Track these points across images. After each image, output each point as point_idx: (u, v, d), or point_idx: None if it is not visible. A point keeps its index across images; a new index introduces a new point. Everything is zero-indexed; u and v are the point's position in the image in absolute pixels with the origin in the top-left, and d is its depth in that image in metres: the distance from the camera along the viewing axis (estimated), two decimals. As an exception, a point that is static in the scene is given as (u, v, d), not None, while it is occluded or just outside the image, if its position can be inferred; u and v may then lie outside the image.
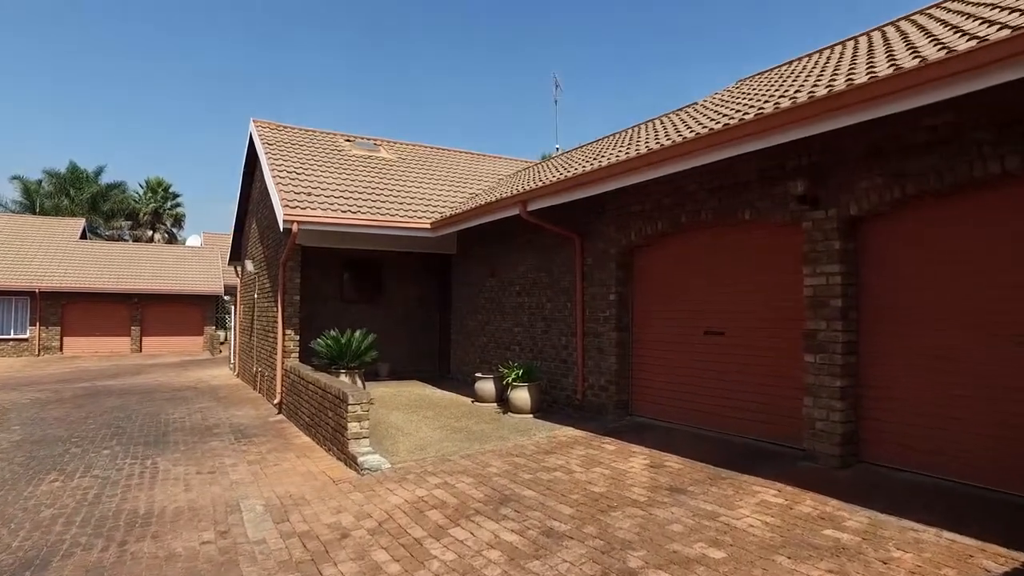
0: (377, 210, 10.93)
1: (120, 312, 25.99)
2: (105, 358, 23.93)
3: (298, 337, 10.88)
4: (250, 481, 6.57)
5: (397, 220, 10.85)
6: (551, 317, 9.52)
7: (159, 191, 44.98)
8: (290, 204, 10.15)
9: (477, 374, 9.85)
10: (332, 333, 9.60)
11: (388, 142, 15.85)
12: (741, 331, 6.78)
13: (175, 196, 45.97)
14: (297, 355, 10.67)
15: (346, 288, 13.06)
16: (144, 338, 26.43)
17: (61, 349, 24.98)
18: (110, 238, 40.09)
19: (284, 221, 9.83)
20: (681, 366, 7.51)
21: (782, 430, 6.22)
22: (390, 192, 11.98)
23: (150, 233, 44.64)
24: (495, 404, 9.57)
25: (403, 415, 8.86)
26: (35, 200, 38.89)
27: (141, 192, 44.91)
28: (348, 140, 14.92)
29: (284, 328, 10.82)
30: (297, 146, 13.25)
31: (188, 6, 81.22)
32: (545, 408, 9.09)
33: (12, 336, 24.33)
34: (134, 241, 40.83)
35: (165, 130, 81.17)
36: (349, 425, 6.97)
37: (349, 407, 6.96)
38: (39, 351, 24.49)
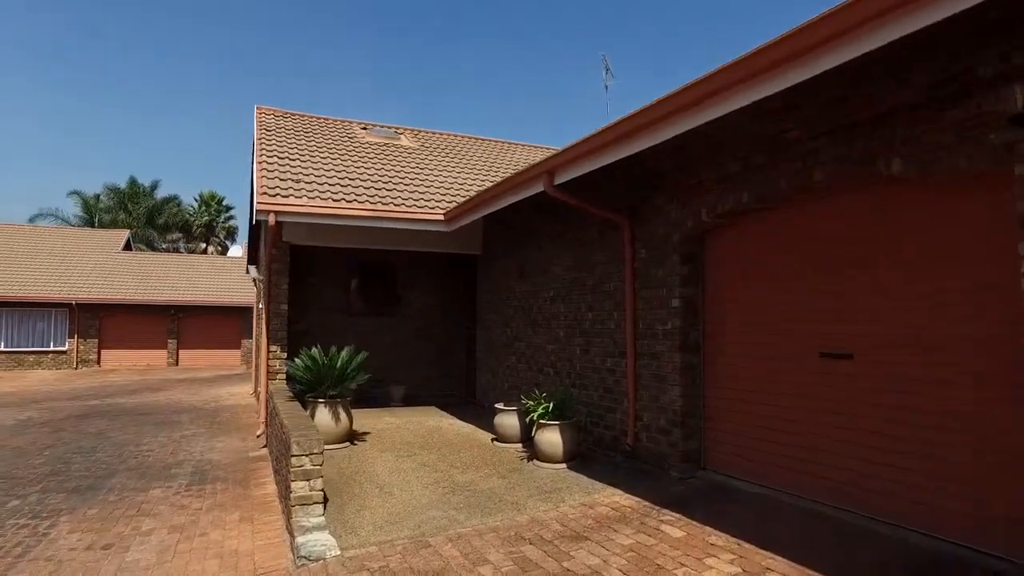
0: (380, 200, 8.91)
1: (157, 324, 25.23)
2: (139, 372, 23.06)
3: (285, 355, 8.94)
4: (146, 566, 4.55)
5: (403, 211, 8.79)
6: (593, 331, 7.19)
7: (212, 204, 45.16)
8: (269, 191, 8.25)
9: (498, 404, 7.60)
10: (314, 351, 7.59)
11: (412, 130, 13.94)
12: (883, 352, 4.29)
13: (228, 209, 46.07)
14: (285, 376, 8.73)
15: (353, 297, 11.10)
16: (181, 351, 25.56)
17: (99, 362, 24.35)
18: (165, 251, 40.25)
19: (258, 212, 7.93)
20: (782, 404, 5.04)
21: (976, 524, 3.68)
22: (403, 181, 9.96)
23: (203, 245, 44.81)
24: (519, 445, 7.30)
25: (394, 460, 6.70)
26: (94, 214, 39.49)
27: (195, 205, 45.21)
28: (364, 128, 13.08)
29: (269, 344, 8.91)
30: (300, 133, 11.45)
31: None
32: (584, 454, 6.75)
33: (52, 348, 23.87)
34: (188, 253, 40.86)
35: (219, 143, 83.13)
36: (293, 486, 4.88)
37: (292, 459, 4.88)
38: (77, 364, 23.91)
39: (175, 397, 16.07)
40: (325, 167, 9.68)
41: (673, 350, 5.84)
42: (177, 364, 25.42)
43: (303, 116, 12.80)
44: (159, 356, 25.27)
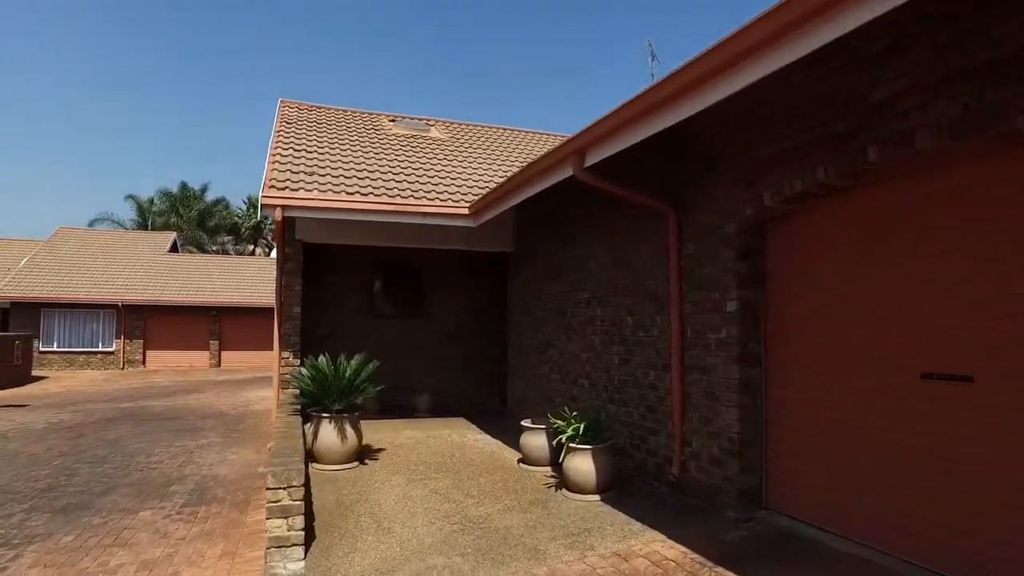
0: (399, 193, 8.14)
1: (200, 325, 25.36)
2: (181, 373, 23.17)
3: (298, 362, 8.28)
4: (94, 619, 3.87)
5: (424, 205, 7.99)
6: (633, 338, 6.21)
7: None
8: (277, 184, 7.59)
9: (525, 421, 6.70)
10: (321, 359, 6.85)
11: (443, 122, 13.18)
12: (1019, 377, 3.19)
13: (276, 211, 46.53)
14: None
15: (377, 298, 10.38)
16: (223, 352, 25.64)
17: (144, 363, 24.63)
18: (214, 253, 40.95)
19: (263, 206, 7.26)
20: (870, 436, 3.98)
21: None
22: (427, 174, 9.17)
23: (251, 247, 45.48)
24: (548, 468, 6.38)
25: (404, 486, 5.89)
26: (147, 217, 40.53)
27: (244, 208, 45.94)
28: (392, 120, 12.39)
29: (281, 349, 8.28)
30: (322, 125, 10.83)
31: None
32: (622, 482, 5.79)
33: (100, 349, 24.26)
34: (236, 255, 41.47)
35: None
36: (268, 524, 4.12)
37: (267, 492, 4.12)
38: (123, 364, 24.23)
39: (206, 400, 15.82)
40: (343, 159, 8.99)
41: (728, 363, 4.81)
42: (219, 365, 25.50)
43: (328, 109, 12.21)
44: (201, 357, 25.40)
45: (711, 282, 5.05)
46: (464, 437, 8.27)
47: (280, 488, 4.11)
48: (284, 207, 7.32)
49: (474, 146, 11.44)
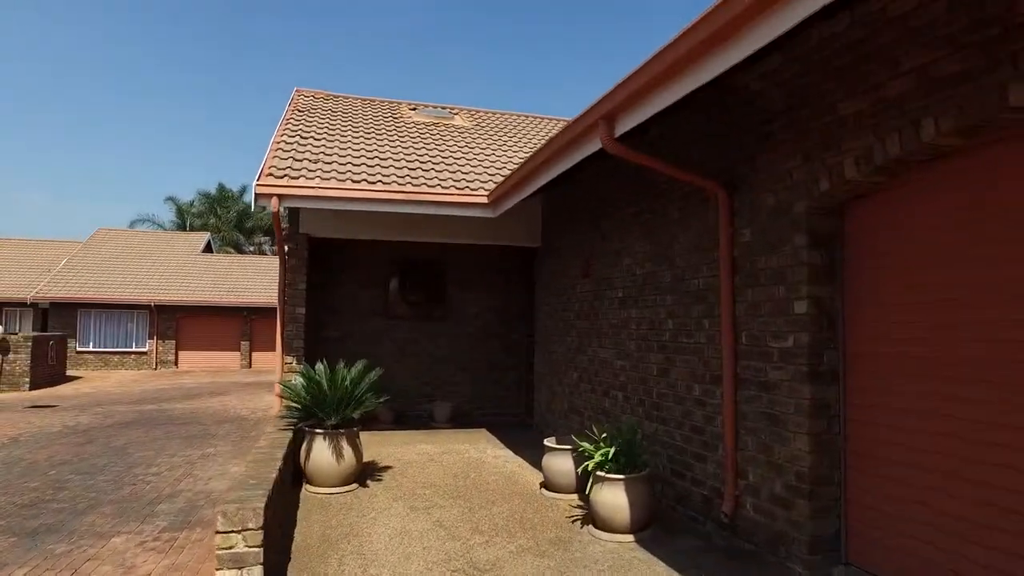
0: (411, 181, 7.34)
1: (232, 326, 25.20)
2: (212, 373, 23.00)
3: (302, 368, 7.56)
4: None
5: (438, 193, 7.17)
6: (674, 345, 5.24)
7: (296, 207, 45.93)
8: (276, 172, 6.87)
9: (548, 441, 5.79)
10: (319, 366, 6.09)
11: (468, 110, 12.36)
12: None
13: (312, 211, 46.68)
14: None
15: (393, 298, 9.61)
16: (254, 353, 25.42)
17: (176, 363, 24.59)
18: (251, 253, 41.20)
19: (258, 195, 6.55)
20: (993, 478, 2.94)
21: None
22: (445, 161, 8.36)
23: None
24: (574, 496, 5.47)
25: (404, 517, 5.05)
26: (186, 219, 41.03)
27: (280, 208, 46.16)
28: (413, 108, 11.64)
29: (283, 354, 7.57)
30: (336, 113, 10.14)
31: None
32: (662, 516, 4.84)
33: (133, 349, 24.31)
34: (271, 256, 41.64)
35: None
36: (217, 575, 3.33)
37: (218, 535, 3.33)
38: (156, 365, 24.23)
39: (228, 404, 15.40)
40: (354, 147, 8.25)
41: (797, 380, 3.82)
42: (250, 366, 25.29)
43: (346, 98, 11.53)
44: (232, 358, 25.24)
45: (773, 277, 4.06)
46: (483, 453, 7.41)
47: (233, 531, 3.32)
48: (281, 196, 6.60)
49: (500, 134, 10.58)
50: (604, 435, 4.79)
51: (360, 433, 7.89)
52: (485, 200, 7.19)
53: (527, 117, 12.48)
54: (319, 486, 5.62)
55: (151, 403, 15.73)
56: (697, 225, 4.96)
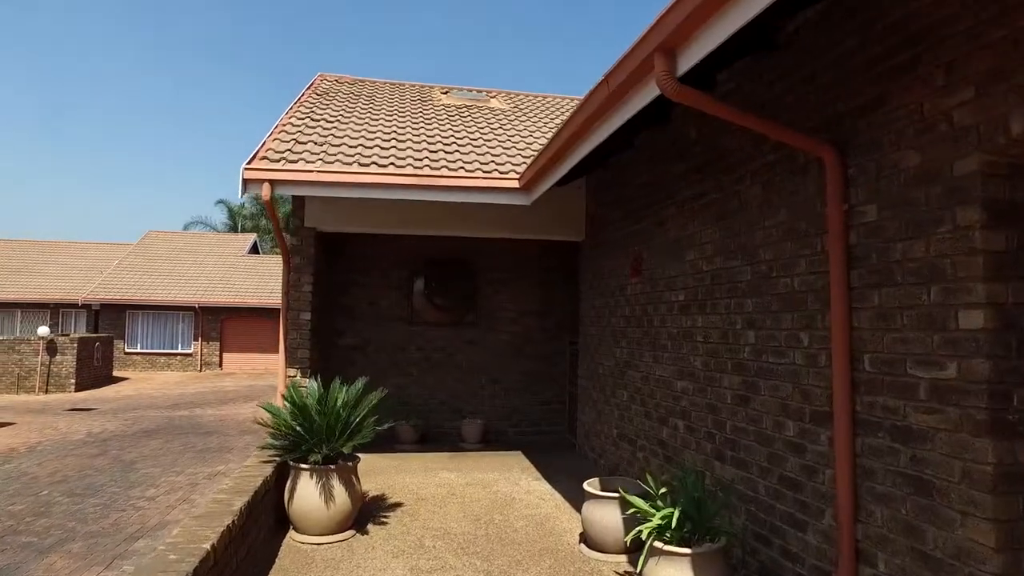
0: (430, 164, 6.24)
1: (275, 328, 24.86)
2: (255, 376, 22.68)
3: (317, 379, 6.59)
4: None
5: (461, 178, 6.06)
6: (757, 365, 3.93)
7: (345, 208, 45.95)
8: (272, 155, 5.91)
9: (588, 484, 4.56)
10: (312, 384, 5.05)
11: (507, 92, 11.22)
12: None
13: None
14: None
15: (418, 301, 8.53)
16: (297, 356, 25.03)
17: (220, 365, 24.43)
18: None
19: (247, 180, 5.60)
20: None
21: None
22: (473, 142, 7.25)
23: (336, 249, 45.76)
24: (623, 558, 4.24)
25: (401, 582, 3.93)
26: (237, 221, 41.51)
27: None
28: (444, 92, 10.58)
29: (286, 365, 6.61)
30: (357, 97, 9.18)
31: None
32: (742, 603, 3.54)
33: (179, 351, 24.30)
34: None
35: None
36: None
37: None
38: (201, 367, 24.13)
39: (259, 411, 14.76)
40: (370, 130, 7.23)
41: (968, 430, 2.48)
42: (294, 369, 24.92)
43: (374, 82, 10.58)
44: (276, 360, 24.89)
45: (918, 273, 2.74)
46: (515, 486, 6.24)
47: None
48: (274, 182, 5.62)
49: (541, 115, 9.40)
50: (663, 490, 3.54)
51: (372, 457, 6.91)
52: (516, 184, 6.03)
53: (569, 100, 11.24)
54: (305, 533, 4.57)
55: (184, 408, 15.31)
56: (789, 204, 3.65)
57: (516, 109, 9.84)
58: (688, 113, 4.94)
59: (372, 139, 6.83)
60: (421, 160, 6.32)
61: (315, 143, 6.46)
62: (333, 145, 6.46)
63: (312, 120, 7.30)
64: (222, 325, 24.44)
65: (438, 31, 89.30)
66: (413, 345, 8.35)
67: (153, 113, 75.15)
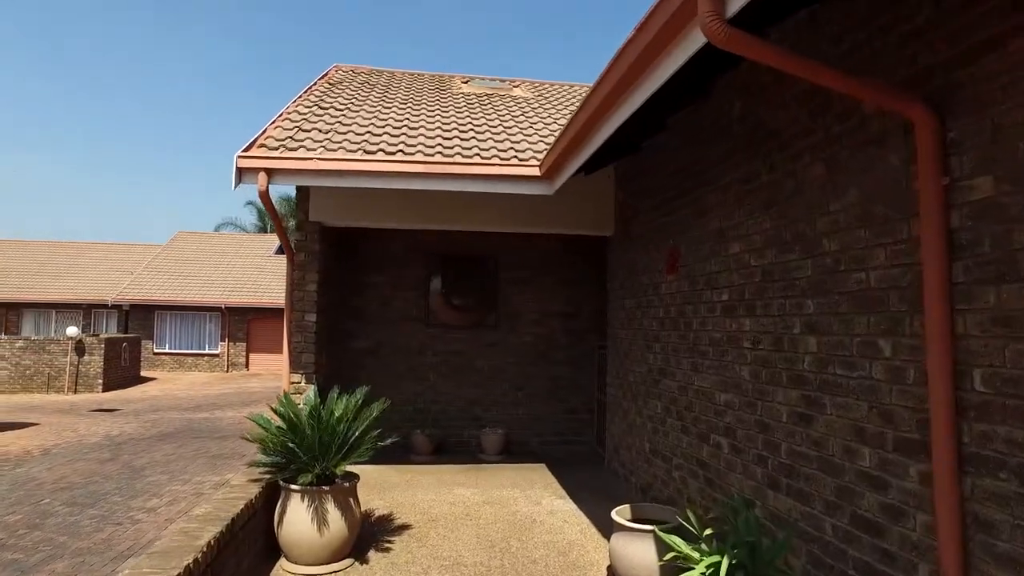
0: (442, 150, 5.70)
1: (301, 328, 24.73)
2: (280, 377, 22.50)
3: (313, 388, 6.11)
4: None
5: (475, 165, 5.50)
6: (821, 377, 3.27)
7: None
8: (271, 143, 5.43)
9: (616, 513, 3.94)
10: (308, 392, 4.55)
11: (532, 82, 10.63)
12: None
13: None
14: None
15: (434, 302, 7.99)
16: (323, 356, 24.85)
17: (247, 366, 24.37)
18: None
19: (242, 170, 5.12)
20: None
21: None
22: (492, 128, 6.69)
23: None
24: (658, 603, 3.60)
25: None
26: (266, 222, 41.74)
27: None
28: (465, 81, 10.05)
29: (291, 370, 6.14)
30: (371, 87, 8.69)
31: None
32: (807, 672, 2.89)
33: (206, 351, 24.31)
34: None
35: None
36: None
37: None
38: (227, 367, 24.10)
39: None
40: (380, 117, 6.71)
41: None
42: (319, 369, 24.74)
43: (392, 72, 10.10)
44: (303, 361, 24.76)
45: (1055, 263, 2.07)
46: (537, 505, 5.64)
47: None
48: (271, 171, 5.13)
49: (565, 105, 8.78)
50: (708, 531, 2.91)
51: (383, 470, 6.41)
52: (537, 171, 5.44)
53: (600, 87, 10.57)
54: (297, 563, 4.06)
55: (206, 410, 15.10)
56: (861, 183, 2.99)
57: (540, 97, 9.25)
58: (731, 84, 4.29)
59: (382, 126, 6.32)
60: (433, 147, 5.78)
61: (320, 131, 5.97)
62: (339, 133, 5.96)
63: (320, 108, 6.82)
64: (248, 326, 24.38)
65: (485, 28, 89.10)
66: (429, 349, 7.82)
67: (196, 115, 76.66)
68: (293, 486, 4.02)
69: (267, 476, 4.26)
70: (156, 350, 23.86)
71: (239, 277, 25.31)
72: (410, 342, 7.80)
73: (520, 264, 8.11)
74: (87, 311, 25.23)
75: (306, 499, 3.99)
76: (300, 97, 7.31)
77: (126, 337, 20.67)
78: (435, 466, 6.98)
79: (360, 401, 4.36)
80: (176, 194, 77.88)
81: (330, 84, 8.43)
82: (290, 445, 4.03)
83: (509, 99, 8.86)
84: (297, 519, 3.99)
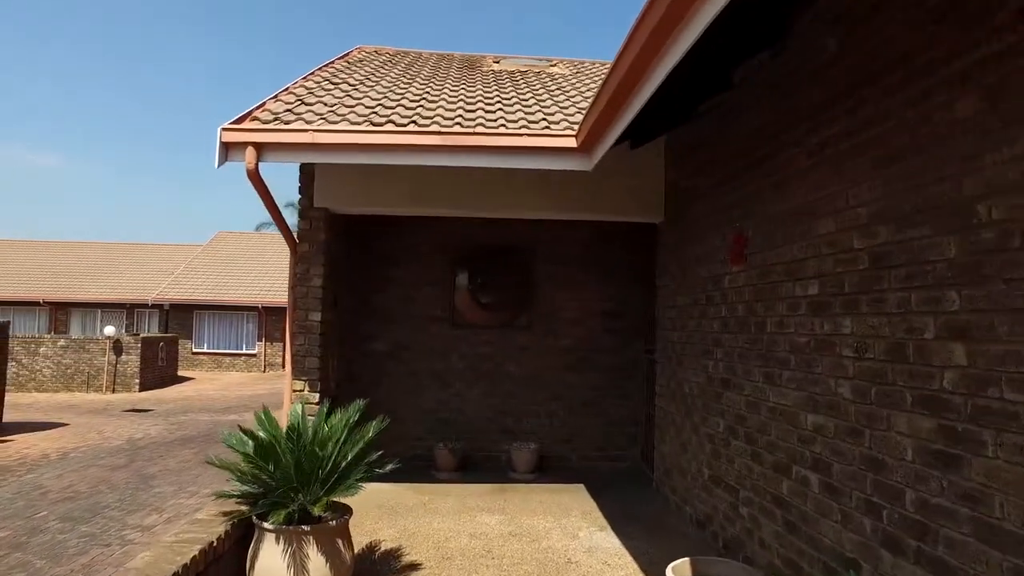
0: (462, 123, 4.87)
1: (338, 329, 24.41)
2: (316, 378, 22.18)
3: (316, 396, 5.38)
4: None
5: (500, 134, 4.65)
6: (970, 402, 2.30)
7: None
8: (265, 115, 4.71)
9: (674, 572, 3.02)
10: (295, 409, 3.78)
11: (572, 61, 9.71)
12: None
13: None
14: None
15: (461, 300, 7.17)
16: (359, 357, 24.45)
17: (283, 366, 24.06)
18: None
19: (227, 144, 4.41)
20: None
21: None
22: (523, 99, 5.84)
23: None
24: None
25: None
26: (308, 222, 41.87)
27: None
28: (497, 60, 9.22)
29: (293, 376, 5.43)
30: (391, 64, 7.95)
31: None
32: None
33: (244, 351, 24.21)
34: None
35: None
36: None
37: None
38: (264, 367, 23.94)
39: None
40: (395, 91, 5.93)
41: None
42: (356, 370, 24.36)
43: (418, 53, 9.35)
44: (339, 361, 24.42)
45: None
46: (574, 540, 4.76)
47: None
48: (260, 146, 4.40)
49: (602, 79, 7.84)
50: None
51: (400, 489, 5.62)
52: (572, 142, 4.56)
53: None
54: (272, 619, 3.28)
55: (236, 412, 14.72)
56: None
57: (579, 74, 8.34)
58: (821, 19, 3.33)
59: (396, 100, 5.53)
60: (452, 120, 4.96)
61: (325, 104, 5.22)
62: (346, 106, 5.20)
63: (331, 83, 6.08)
64: (284, 326, 24.12)
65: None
66: (455, 352, 7.02)
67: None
68: (267, 524, 3.25)
69: (243, 508, 3.50)
70: (195, 350, 23.86)
71: (276, 277, 25.14)
72: (433, 344, 7.01)
73: (557, 257, 7.22)
74: (130, 311, 25.47)
75: (282, 541, 3.22)
76: (311, 73, 6.61)
77: (163, 337, 20.63)
78: (458, 485, 6.16)
79: (353, 418, 3.56)
80: (224, 197, 79.73)
81: (348, 63, 7.72)
82: (263, 477, 3.26)
83: (545, 75, 8.00)
84: (269, 566, 3.21)
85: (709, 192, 4.89)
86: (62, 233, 71.04)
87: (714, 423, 4.67)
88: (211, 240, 28.25)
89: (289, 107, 5.05)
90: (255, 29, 79.22)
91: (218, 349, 24.21)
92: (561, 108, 5.57)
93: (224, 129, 4.39)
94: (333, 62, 7.43)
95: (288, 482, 3.25)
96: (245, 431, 3.42)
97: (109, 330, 18.96)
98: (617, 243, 7.17)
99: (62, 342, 19.12)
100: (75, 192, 76.62)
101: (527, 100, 5.89)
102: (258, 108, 4.95)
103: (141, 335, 19.58)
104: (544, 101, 5.90)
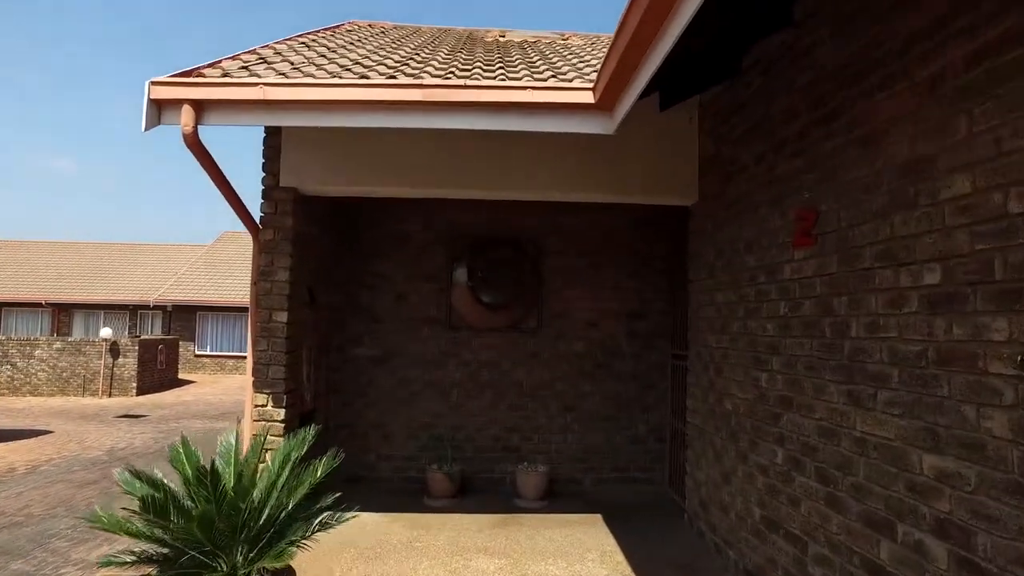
0: (455, 76, 3.95)
1: (343, 331, 23.60)
2: (320, 382, 21.39)
3: (283, 413, 4.49)
4: None
5: (500, 87, 3.72)
6: None
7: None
8: (211, 73, 3.82)
9: None
10: (224, 441, 2.89)
11: (588, 35, 8.78)
12: None
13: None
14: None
15: (459, 298, 6.24)
16: (366, 360, 23.63)
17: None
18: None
19: (157, 101, 3.52)
20: None
21: None
22: (529, 58, 4.92)
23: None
24: None
25: None
26: (317, 222, 41.31)
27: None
28: (503, 34, 8.30)
29: (254, 388, 4.54)
30: (385, 35, 7.06)
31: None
32: None
33: (247, 354, 23.42)
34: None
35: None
36: None
37: None
38: (269, 371, 23.15)
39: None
40: (375, 56, 5.02)
41: None
42: (362, 374, 23.53)
43: (416, 27, 8.46)
44: (344, 365, 23.62)
45: None
46: (587, 595, 3.81)
47: None
48: (199, 103, 3.51)
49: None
50: None
51: (385, 521, 4.66)
52: (589, 96, 3.62)
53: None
54: None
55: (230, 419, 13.94)
56: None
57: (595, 44, 7.40)
58: None
59: (376, 62, 4.63)
60: (445, 75, 4.04)
61: (291, 63, 4.33)
62: (315, 64, 4.31)
63: (304, 46, 5.20)
64: (289, 327, 23.37)
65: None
66: (452, 358, 6.10)
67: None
68: (171, 601, 2.35)
69: (151, 573, 2.60)
70: (197, 352, 23.18)
71: (280, 277, 24.40)
72: (427, 350, 6.10)
73: (570, 248, 6.29)
74: (132, 312, 24.87)
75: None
76: (288, 39, 5.72)
77: (162, 339, 19.94)
78: (454, 516, 5.23)
79: (297, 454, 2.65)
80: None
81: (333, 33, 6.84)
82: (162, 536, 2.36)
83: (558, 45, 7.07)
84: (173, 662, 2.31)
85: (761, 161, 3.92)
86: (74, 234, 71.28)
87: (768, 451, 3.70)
88: (216, 241, 27.59)
89: (246, 65, 4.17)
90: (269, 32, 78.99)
91: (221, 351, 23.51)
92: (575, 68, 4.64)
93: (154, 83, 3.50)
94: (318, 31, 6.56)
95: (196, 544, 2.35)
96: (137, 473, 2.51)
97: (105, 332, 18.27)
98: (640, 231, 6.23)
99: (58, 344, 18.48)
100: (86, 194, 76.85)
101: (536, 63, 4.96)
102: (208, 65, 4.08)
103: (139, 337, 18.90)
104: (556, 64, 4.97)
